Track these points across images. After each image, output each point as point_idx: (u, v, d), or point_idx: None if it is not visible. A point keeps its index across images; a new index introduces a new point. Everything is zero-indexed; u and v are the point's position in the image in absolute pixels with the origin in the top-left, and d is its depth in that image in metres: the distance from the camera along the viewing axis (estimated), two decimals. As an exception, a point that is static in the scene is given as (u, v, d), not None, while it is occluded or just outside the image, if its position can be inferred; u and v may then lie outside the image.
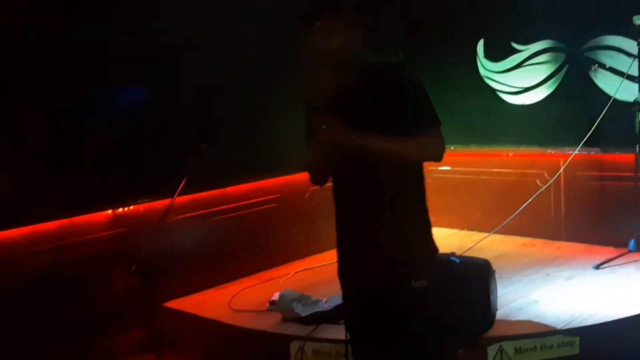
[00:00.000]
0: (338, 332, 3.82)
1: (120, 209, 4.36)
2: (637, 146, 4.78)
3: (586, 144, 5.13)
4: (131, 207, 4.40)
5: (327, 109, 2.62)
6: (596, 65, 5.22)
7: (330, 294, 4.21)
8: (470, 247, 5.07)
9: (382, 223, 2.68)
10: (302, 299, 4.13)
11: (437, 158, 2.65)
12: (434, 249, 2.75)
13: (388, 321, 2.65)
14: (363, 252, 2.75)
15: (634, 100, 4.80)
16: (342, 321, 3.91)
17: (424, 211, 2.74)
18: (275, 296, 4.24)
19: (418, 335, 2.64)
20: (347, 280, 2.87)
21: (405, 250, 2.65)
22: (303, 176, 5.36)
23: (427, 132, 2.61)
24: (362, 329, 2.77)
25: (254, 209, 5.07)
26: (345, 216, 2.82)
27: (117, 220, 4.33)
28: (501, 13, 5.59)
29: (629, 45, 4.95)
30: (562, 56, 5.44)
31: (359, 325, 2.79)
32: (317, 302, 4.12)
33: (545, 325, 3.73)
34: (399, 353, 2.65)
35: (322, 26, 2.66)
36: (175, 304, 4.44)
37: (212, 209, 4.82)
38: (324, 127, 2.62)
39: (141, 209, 4.43)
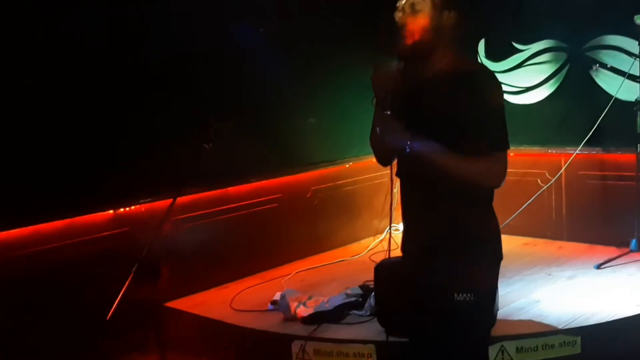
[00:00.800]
0: (339, 331, 3.83)
1: (122, 209, 4.35)
2: (639, 146, 4.78)
3: (587, 144, 5.14)
4: (132, 207, 4.40)
5: (391, 99, 2.42)
6: (597, 64, 5.21)
7: (332, 294, 4.21)
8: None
9: (433, 224, 2.52)
10: (303, 298, 4.12)
11: (496, 186, 2.47)
12: (493, 259, 2.55)
13: (426, 325, 2.55)
14: (414, 250, 2.60)
15: (635, 99, 4.80)
16: (344, 318, 3.95)
17: (486, 218, 2.55)
18: (277, 296, 4.24)
19: (454, 348, 2.50)
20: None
21: (455, 258, 2.47)
22: (304, 176, 5.44)
23: (491, 155, 2.40)
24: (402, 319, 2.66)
25: (255, 209, 5.06)
26: (404, 207, 2.64)
27: (118, 220, 4.33)
28: (502, 13, 5.59)
29: (630, 44, 4.95)
30: (563, 56, 5.44)
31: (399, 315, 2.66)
32: (318, 301, 4.11)
33: (547, 325, 3.73)
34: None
35: (402, 7, 2.48)
36: (176, 303, 4.44)
37: (213, 209, 4.81)
38: (377, 129, 2.45)
39: (142, 209, 4.43)
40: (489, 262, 2.55)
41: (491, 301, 2.60)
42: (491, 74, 2.52)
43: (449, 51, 2.51)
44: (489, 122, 2.41)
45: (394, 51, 2.49)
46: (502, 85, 2.54)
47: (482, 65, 2.52)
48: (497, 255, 2.57)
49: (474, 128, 2.39)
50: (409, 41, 2.47)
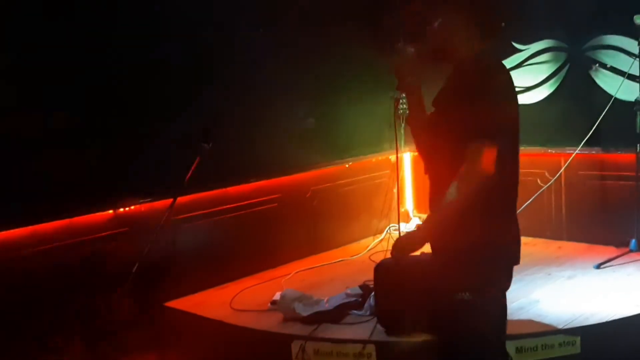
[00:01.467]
0: (339, 331, 3.83)
1: (122, 209, 4.36)
2: (638, 146, 4.78)
3: (587, 144, 5.14)
4: (132, 207, 4.40)
5: (409, 84, 2.58)
6: (597, 64, 5.22)
7: (332, 294, 4.21)
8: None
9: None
10: (303, 298, 4.12)
11: (482, 180, 2.39)
12: (504, 262, 2.57)
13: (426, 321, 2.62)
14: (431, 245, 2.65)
15: (635, 99, 4.80)
16: (344, 318, 3.95)
17: (496, 222, 2.53)
18: (277, 296, 4.24)
19: (451, 345, 2.55)
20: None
21: (460, 257, 2.50)
22: (304, 176, 5.45)
23: (472, 148, 2.37)
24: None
25: (255, 209, 5.06)
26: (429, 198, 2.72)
27: (118, 220, 4.33)
28: (502, 12, 5.58)
29: (630, 44, 4.96)
30: (563, 56, 5.44)
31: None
32: (318, 301, 4.12)
33: (547, 325, 3.73)
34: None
35: (415, 9, 2.61)
36: (176, 303, 4.44)
37: (213, 209, 4.81)
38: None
39: (142, 209, 4.43)
40: (496, 264, 2.54)
41: (494, 304, 2.58)
42: (482, 67, 2.53)
43: (464, 54, 2.55)
44: (473, 111, 2.40)
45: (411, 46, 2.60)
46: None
47: (479, 58, 2.51)
48: (508, 258, 2.56)
49: (466, 117, 2.41)
50: (424, 56, 2.58)
